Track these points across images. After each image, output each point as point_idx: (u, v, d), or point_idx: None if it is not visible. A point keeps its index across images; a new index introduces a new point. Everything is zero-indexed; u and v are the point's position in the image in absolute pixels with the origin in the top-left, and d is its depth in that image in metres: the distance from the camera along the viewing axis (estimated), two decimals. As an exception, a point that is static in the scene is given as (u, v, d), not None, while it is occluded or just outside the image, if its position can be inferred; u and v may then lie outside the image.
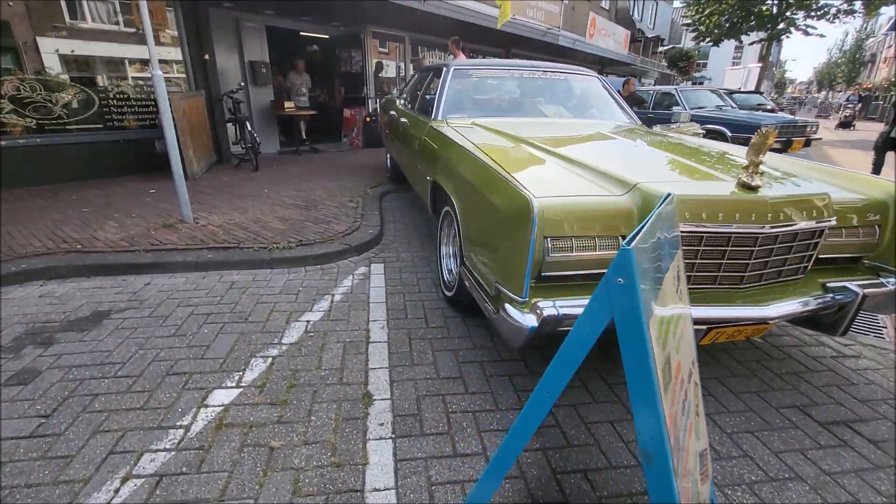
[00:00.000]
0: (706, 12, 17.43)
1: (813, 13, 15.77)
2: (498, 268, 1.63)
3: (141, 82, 5.53)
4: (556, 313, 1.53)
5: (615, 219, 1.60)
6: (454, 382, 1.88)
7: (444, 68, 3.38)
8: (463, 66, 3.40)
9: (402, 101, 4.65)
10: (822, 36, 16.83)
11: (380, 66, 8.94)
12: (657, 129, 3.53)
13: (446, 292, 2.51)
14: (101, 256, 2.90)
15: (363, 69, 8.44)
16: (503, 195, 1.59)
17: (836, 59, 54.40)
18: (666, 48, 26.17)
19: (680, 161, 2.00)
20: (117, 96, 5.29)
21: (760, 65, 18.34)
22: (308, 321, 2.31)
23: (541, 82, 3.51)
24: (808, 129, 7.90)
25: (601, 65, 17.50)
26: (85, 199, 4.26)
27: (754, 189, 1.64)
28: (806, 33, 15.96)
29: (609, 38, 15.72)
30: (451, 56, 6.53)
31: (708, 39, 18.25)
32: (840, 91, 48.88)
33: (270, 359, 1.99)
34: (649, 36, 22.15)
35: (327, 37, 8.74)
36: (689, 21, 18.73)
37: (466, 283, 2.03)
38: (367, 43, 8.27)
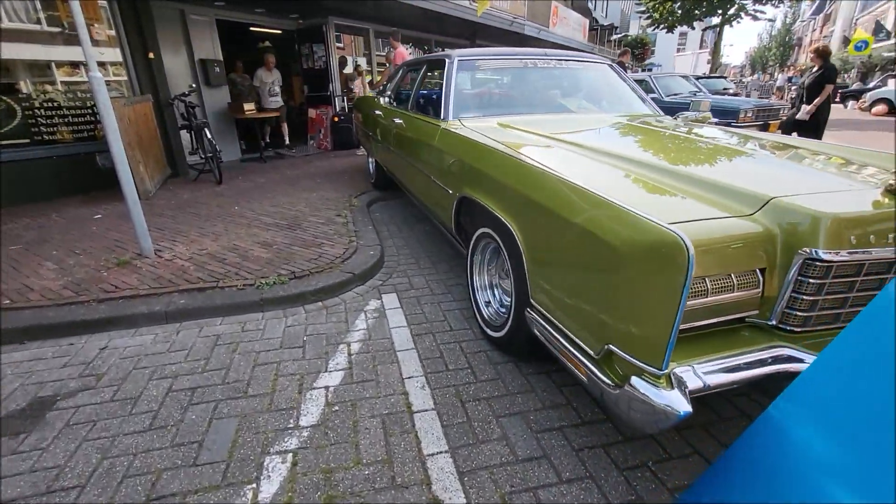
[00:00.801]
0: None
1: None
2: (614, 324, 1.20)
3: (74, 87, 4.71)
4: (701, 384, 1.14)
5: (758, 247, 1.22)
6: (540, 466, 1.45)
7: (446, 60, 2.91)
8: (469, 56, 2.94)
9: (387, 100, 4.13)
10: (771, 20, 17.44)
11: (343, 62, 8.30)
12: (680, 119, 3.22)
13: (491, 332, 2.08)
14: (39, 314, 2.27)
15: (327, 65, 7.78)
16: (622, 229, 1.16)
17: (767, 43, 57.53)
18: (619, 36, 26.59)
19: (787, 162, 1.65)
20: (45, 105, 4.47)
21: (705, 51, 18.84)
22: (327, 388, 1.81)
23: (556, 72, 3.11)
24: (782, 112, 7.97)
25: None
26: (12, 234, 3.50)
27: None
28: (755, 18, 16.48)
29: (569, 27, 15.62)
30: (392, 51, 6.08)
31: (662, 26, 18.55)
32: (770, 74, 51.67)
33: (290, 455, 1.48)
34: (604, 24, 22.37)
35: (279, 32, 8.00)
36: (644, 8, 18.98)
37: (536, 331, 1.61)
38: (329, 36, 7.61)
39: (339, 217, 3.83)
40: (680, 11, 17.45)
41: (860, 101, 18.88)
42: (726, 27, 17.07)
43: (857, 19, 38.77)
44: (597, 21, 22.19)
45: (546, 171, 1.49)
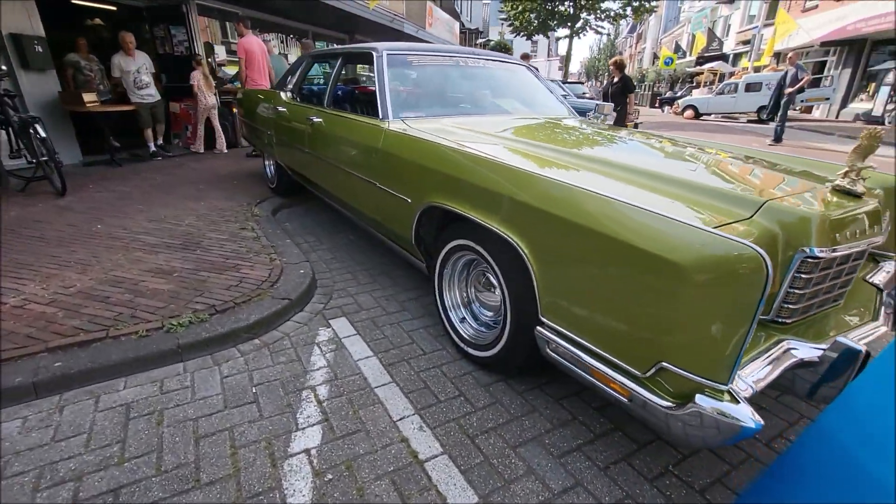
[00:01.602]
0: (519, 9, 19.15)
1: (600, 15, 18.70)
2: (670, 342, 1.15)
3: None
4: (751, 392, 1.15)
5: (773, 249, 1.28)
6: (579, 496, 1.35)
7: (373, 53, 2.64)
8: (398, 51, 2.71)
9: (290, 95, 3.66)
10: (608, 35, 20.14)
11: (210, 49, 7.22)
12: (600, 121, 3.43)
13: (474, 351, 1.92)
14: None
15: (192, 52, 6.66)
16: (684, 245, 1.09)
17: (597, 54, 67.04)
18: (483, 40, 28.19)
19: (747, 166, 1.80)
20: None
21: (555, 58, 21.16)
22: (308, 452, 1.47)
23: (486, 72, 3.04)
24: (634, 116, 9.22)
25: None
26: None
27: (859, 197, 1.50)
28: (597, 32, 18.90)
29: (443, 29, 15.99)
30: (239, 37, 5.60)
31: (523, 34, 20.15)
32: (601, 81, 60.35)
33: (295, 556, 1.15)
34: (471, 28, 23.49)
35: (115, 9, 6.61)
36: (506, 16, 20.38)
37: (549, 351, 1.51)
38: (192, 17, 6.52)
39: (245, 231, 3.26)
40: (536, 22, 19.13)
41: (674, 106, 23.05)
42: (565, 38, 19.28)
43: (661, 39, 47.23)
44: (463, 24, 23.16)
45: (571, 186, 1.38)
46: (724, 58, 27.61)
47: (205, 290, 2.32)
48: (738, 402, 1.08)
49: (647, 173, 1.57)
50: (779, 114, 9.54)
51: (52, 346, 1.81)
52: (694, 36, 32.58)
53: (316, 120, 2.96)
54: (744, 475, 1.46)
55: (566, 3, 18.32)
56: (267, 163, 4.51)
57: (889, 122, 14.08)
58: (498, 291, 1.87)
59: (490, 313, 1.97)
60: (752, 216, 1.30)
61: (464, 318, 2.04)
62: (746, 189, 1.49)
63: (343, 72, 3.16)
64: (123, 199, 4.01)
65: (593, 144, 2.09)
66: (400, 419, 1.63)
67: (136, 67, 5.47)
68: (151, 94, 5.65)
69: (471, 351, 1.94)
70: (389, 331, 2.20)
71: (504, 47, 25.24)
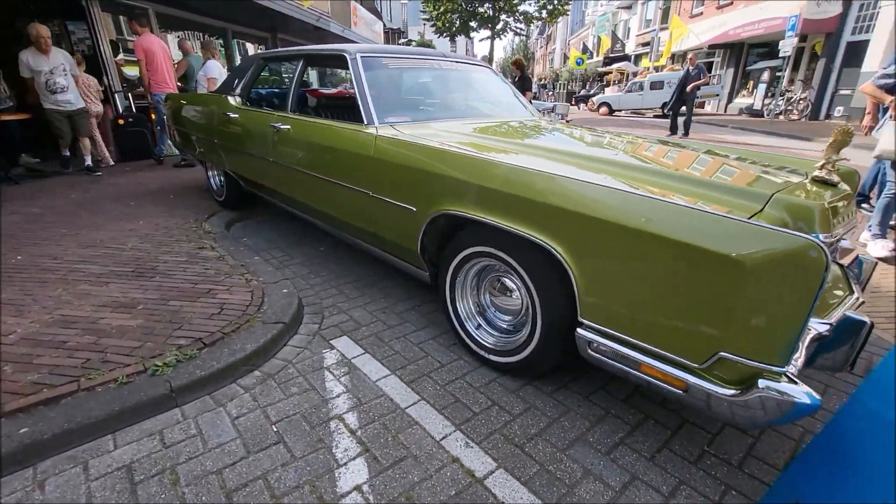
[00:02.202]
0: (441, 10, 19.35)
1: (518, 17, 19.47)
2: (730, 333, 1.21)
3: None
4: (795, 371, 1.25)
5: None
6: (639, 490, 1.38)
7: (346, 56, 2.51)
8: (371, 53, 2.60)
9: (239, 100, 3.37)
10: (526, 36, 21.02)
11: (117, 48, 6.44)
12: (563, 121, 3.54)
13: (497, 358, 1.89)
14: None
15: (95, 51, 5.88)
16: (742, 240, 1.14)
17: (511, 55, 70.25)
18: (404, 41, 28.12)
19: (732, 162, 1.95)
20: None
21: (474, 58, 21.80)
22: (359, 488, 1.35)
23: (457, 74, 3.02)
24: (565, 116, 9.72)
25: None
26: None
27: (836, 185, 1.69)
28: (517, 33, 19.66)
29: (368, 29, 15.69)
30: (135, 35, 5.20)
31: (446, 34, 20.40)
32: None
33: None
34: (393, 28, 23.31)
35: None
36: (428, 17, 20.49)
37: (591, 352, 1.52)
38: (94, 12, 5.75)
39: (204, 250, 2.95)
40: (459, 22, 19.46)
41: (589, 103, 24.68)
42: (481, 40, 19.91)
43: (569, 41, 50.29)
44: (384, 24, 22.91)
45: (614, 189, 1.40)
46: (627, 58, 30.05)
47: (182, 321, 2.06)
48: (797, 383, 1.17)
49: (659, 173, 1.65)
50: (685, 108, 10.53)
51: (9, 409, 1.50)
52: (599, 38, 35.09)
53: (282, 127, 2.74)
54: (767, 445, 1.58)
55: (485, 4, 18.81)
56: (211, 174, 4.12)
57: (767, 115, 16.20)
58: (517, 295, 1.88)
59: (508, 317, 1.96)
60: (762, 209, 1.41)
61: (479, 325, 2.01)
62: (748, 183, 1.62)
63: (303, 74, 2.96)
64: (39, 222, 3.45)
65: (594, 146, 2.15)
66: (443, 438, 1.56)
67: (50, 68, 4.66)
68: (70, 100, 4.86)
69: (493, 358, 1.91)
70: (398, 345, 2.11)
71: (431, 48, 25.41)
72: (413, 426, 1.61)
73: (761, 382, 1.17)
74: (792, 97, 15.74)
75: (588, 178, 1.48)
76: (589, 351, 1.54)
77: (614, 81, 28.98)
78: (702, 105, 21.23)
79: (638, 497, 1.36)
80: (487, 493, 1.35)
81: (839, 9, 13.94)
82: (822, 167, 1.70)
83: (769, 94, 16.73)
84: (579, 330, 1.54)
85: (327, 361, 1.97)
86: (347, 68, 2.50)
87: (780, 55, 14.15)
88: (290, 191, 2.90)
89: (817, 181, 1.69)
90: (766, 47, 17.87)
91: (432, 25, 20.32)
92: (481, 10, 18.67)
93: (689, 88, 10.13)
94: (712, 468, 1.48)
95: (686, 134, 10.68)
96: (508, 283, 1.91)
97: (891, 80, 2.86)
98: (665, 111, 15.52)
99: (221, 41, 9.20)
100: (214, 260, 2.79)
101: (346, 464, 1.44)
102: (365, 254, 3.13)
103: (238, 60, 9.61)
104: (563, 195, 1.48)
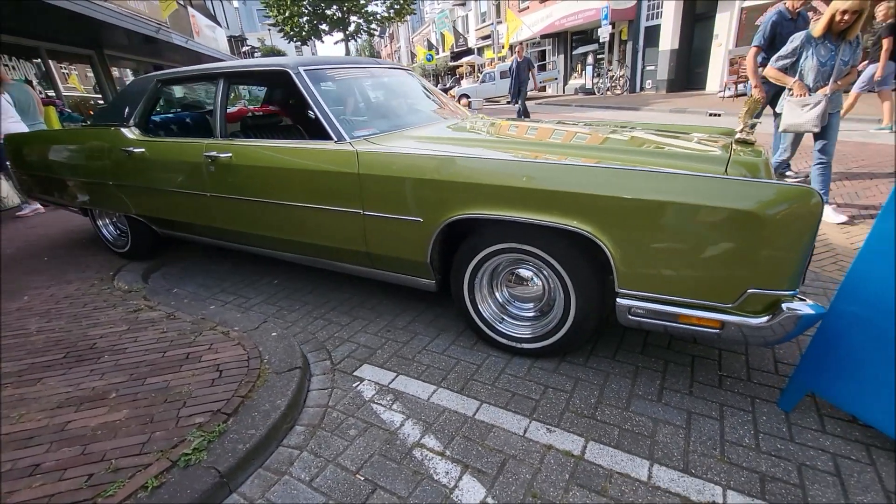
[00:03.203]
0: (287, 14, 18.34)
1: (368, 18, 19.42)
2: (754, 273, 1.48)
3: None
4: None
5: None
6: (700, 421, 1.63)
7: (289, 73, 2.33)
8: (314, 66, 2.45)
9: (136, 131, 2.88)
10: (383, 36, 21.07)
11: None
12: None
13: (529, 346, 2.00)
14: None
15: None
16: (753, 196, 1.42)
17: (357, 54, 70.15)
18: (247, 48, 26.01)
19: (669, 134, 2.31)
20: None
21: None
22: None
23: (391, 80, 2.99)
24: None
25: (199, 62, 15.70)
26: None
27: (752, 144, 2.15)
28: (370, 34, 19.60)
29: (211, 38, 14.17)
30: None
31: (296, 39, 19.41)
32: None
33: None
34: (235, 35, 21.35)
35: None
36: (274, 22, 19.25)
37: (630, 316, 1.71)
38: None
39: (143, 311, 2.49)
40: (308, 27, 18.68)
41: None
42: (322, 43, 19.49)
43: (412, 38, 51.81)
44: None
45: (638, 171, 1.58)
46: (471, 52, 32.10)
47: (182, 397, 1.75)
48: (804, 300, 1.50)
49: (643, 152, 1.91)
50: (520, 97, 11.07)
51: (21, 564, 1.15)
52: (442, 34, 36.80)
53: (221, 155, 2.44)
54: (756, 358, 1.97)
55: (333, 7, 18.36)
56: (102, 222, 3.43)
57: (598, 93, 18.84)
58: (535, 283, 2.00)
59: (530, 305, 2.07)
60: (726, 169, 1.75)
61: (503, 319, 2.09)
62: (701, 150, 1.96)
63: (227, 93, 2.64)
64: None
65: (571, 137, 2.31)
66: (525, 431, 1.62)
67: None
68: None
69: (526, 346, 2.01)
70: (425, 359, 2.09)
71: (278, 53, 23.84)
72: (492, 429, 1.64)
73: (784, 306, 1.48)
74: (613, 75, 18.55)
75: (607, 165, 1.65)
76: (629, 316, 1.73)
77: (466, 74, 30.77)
78: (543, 88, 23.79)
79: (701, 426, 1.61)
80: (595, 466, 1.46)
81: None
82: (741, 130, 2.11)
83: (596, 74, 19.46)
84: (619, 300, 1.72)
85: (366, 394, 1.86)
86: (283, 86, 2.33)
87: (600, 41, 16.53)
88: (240, 225, 2.59)
89: (739, 142, 2.11)
90: (584, 34, 20.71)
91: (279, 31, 19.14)
92: (329, 12, 18.17)
93: (536, 86, 10.73)
94: (733, 386, 1.80)
95: (527, 116, 11.74)
96: (524, 273, 2.02)
97: (787, 61, 3.31)
98: (509, 100, 17.04)
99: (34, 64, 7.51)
100: (166, 320, 2.38)
101: (456, 485, 1.42)
102: (334, 277, 2.96)
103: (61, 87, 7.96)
104: (593, 183, 1.63)
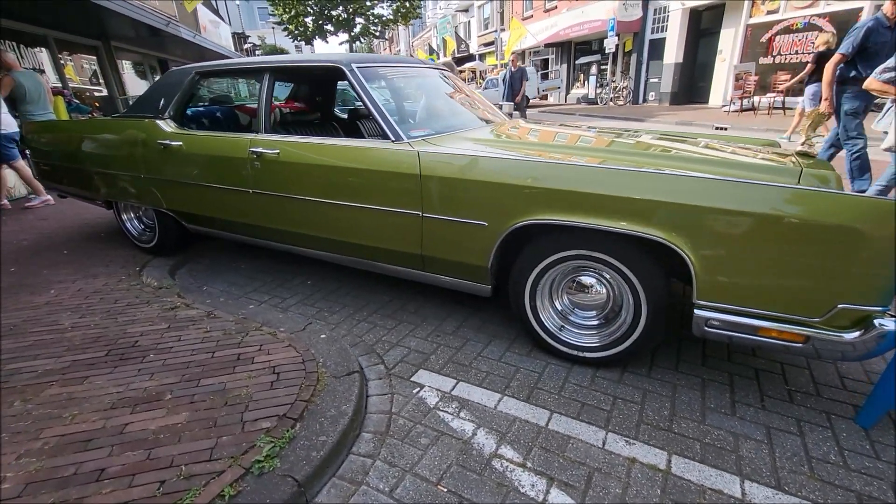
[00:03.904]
0: (292, 13, 18.27)
1: (374, 20, 19.42)
2: (846, 287, 1.46)
3: None
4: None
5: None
6: (780, 437, 1.60)
7: (343, 69, 2.29)
8: (366, 64, 2.40)
9: (172, 124, 2.80)
10: (385, 39, 21.10)
11: None
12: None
13: (593, 355, 1.95)
14: None
15: None
16: (855, 212, 1.39)
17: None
18: (249, 45, 25.86)
19: (735, 147, 2.29)
20: None
21: None
22: (581, 516, 1.30)
23: (433, 81, 2.93)
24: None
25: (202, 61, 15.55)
26: None
27: (813, 157, 2.14)
28: (375, 36, 19.59)
29: (215, 33, 14.04)
30: None
31: (301, 39, 19.33)
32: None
33: None
34: (238, 32, 21.21)
35: None
36: (279, 21, 19.16)
37: (707, 328, 1.67)
38: None
39: (180, 310, 2.40)
40: (313, 26, 18.62)
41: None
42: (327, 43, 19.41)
43: (413, 43, 51.98)
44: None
45: (731, 181, 1.55)
46: (473, 58, 32.20)
47: (242, 400, 1.68)
48: (895, 317, 1.48)
49: (715, 161, 1.89)
50: (522, 106, 10.86)
51: (104, 579, 1.07)
52: (444, 40, 36.93)
53: (267, 152, 2.37)
54: (820, 373, 1.95)
55: (339, 8, 18.33)
56: (127, 216, 3.33)
57: (600, 103, 18.99)
58: (599, 290, 1.97)
59: (592, 313, 2.03)
60: (798, 181, 1.73)
61: (562, 327, 2.05)
62: (772, 161, 1.94)
63: (268, 90, 2.57)
64: None
65: (638, 144, 2.28)
66: (604, 443, 1.58)
67: None
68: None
69: (589, 355, 1.97)
70: (483, 365, 2.03)
71: (282, 52, 23.72)
72: (570, 440, 1.59)
73: (877, 322, 1.45)
74: (617, 86, 18.71)
75: (692, 174, 1.62)
76: (705, 328, 1.69)
77: (468, 80, 30.86)
78: (545, 97, 23.94)
79: (783, 442, 1.57)
80: (684, 481, 1.42)
81: (640, 12, 16.96)
82: (803, 143, 2.11)
83: (599, 85, 19.61)
84: (697, 311, 1.69)
85: (430, 401, 1.80)
86: (323, 82, 2.28)
87: (606, 52, 16.68)
88: (283, 224, 2.52)
89: (801, 154, 2.10)
90: (587, 45, 20.90)
91: (284, 29, 19.05)
92: (335, 13, 18.13)
93: (517, 98, 10.50)
94: (805, 401, 1.77)
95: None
96: (585, 280, 1.98)
97: (892, 74, 3.01)
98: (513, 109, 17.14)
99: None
100: (206, 319, 2.30)
101: (545, 499, 1.36)
102: (370, 278, 2.90)
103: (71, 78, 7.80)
104: (680, 192, 1.59)
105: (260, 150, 2.40)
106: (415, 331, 2.33)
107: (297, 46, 31.76)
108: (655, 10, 16.49)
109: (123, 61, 11.74)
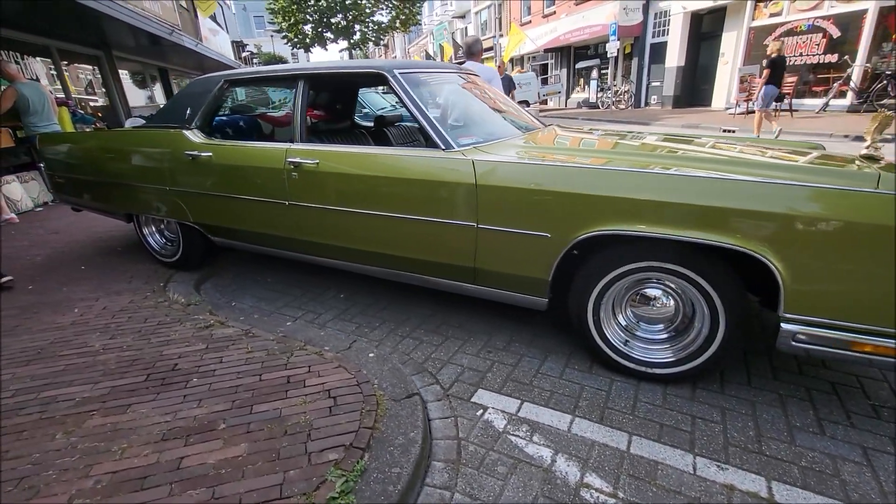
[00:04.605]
0: (292, 21, 18.24)
1: (373, 28, 19.41)
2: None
3: None
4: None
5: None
6: (880, 457, 1.50)
7: (386, 75, 2.20)
8: (409, 70, 2.31)
9: (202, 134, 2.70)
10: (382, 45, 21.08)
11: None
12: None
13: (662, 370, 1.85)
14: None
15: None
16: None
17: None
18: (247, 53, 25.83)
19: (801, 151, 2.21)
20: None
21: None
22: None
23: (476, 89, 2.85)
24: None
25: (201, 70, 15.44)
26: None
27: (878, 160, 2.05)
28: (376, 44, 19.59)
29: (215, 42, 13.97)
30: None
31: (299, 46, 19.30)
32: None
33: None
34: (234, 40, 21.16)
35: None
36: (278, 28, 19.12)
37: (794, 343, 1.58)
38: None
39: (215, 328, 2.29)
40: (312, 33, 18.59)
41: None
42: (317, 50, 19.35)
43: (408, 49, 52.16)
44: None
45: (828, 188, 1.46)
46: (471, 63, 32.20)
47: (302, 428, 1.56)
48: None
49: (788, 167, 1.79)
50: None
51: None
52: (441, 46, 37.00)
53: (306, 162, 2.28)
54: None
55: (338, 15, 18.32)
56: (149, 230, 3.21)
57: (602, 107, 19.02)
58: (665, 303, 1.87)
59: (660, 326, 1.93)
60: (877, 186, 1.64)
61: (627, 342, 1.95)
62: (845, 167, 1.85)
63: (306, 98, 2.47)
64: None
65: (701, 148, 2.20)
66: (694, 469, 1.47)
67: None
68: None
69: (660, 371, 1.87)
70: (545, 383, 1.93)
71: (280, 59, 23.69)
72: (657, 466, 1.48)
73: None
74: (618, 90, 18.75)
75: (778, 180, 1.53)
76: (792, 342, 1.60)
77: (465, 85, 30.78)
78: (545, 102, 23.97)
79: (885, 464, 1.47)
80: (794, 510, 1.32)
81: (641, 17, 17.02)
82: (868, 146, 2.02)
83: (600, 89, 19.66)
84: (784, 325, 1.59)
85: (497, 424, 1.70)
86: (379, 87, 2.18)
87: (608, 56, 16.74)
88: (323, 237, 2.41)
89: (866, 157, 2.02)
90: (587, 49, 20.99)
91: (283, 37, 19.01)
92: (334, 21, 18.11)
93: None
94: (892, 417, 1.68)
95: None
96: (650, 292, 1.89)
97: None
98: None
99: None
100: (245, 338, 2.19)
101: (647, 533, 1.26)
102: (406, 291, 2.79)
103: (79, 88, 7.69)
104: (769, 199, 1.50)
105: (297, 160, 2.30)
106: (464, 346, 2.23)
107: (293, 54, 31.75)
108: (656, 14, 16.55)
109: (122, 71, 11.67)
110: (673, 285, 1.83)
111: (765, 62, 8.10)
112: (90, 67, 9.30)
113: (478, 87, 2.85)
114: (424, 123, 2.09)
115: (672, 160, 1.91)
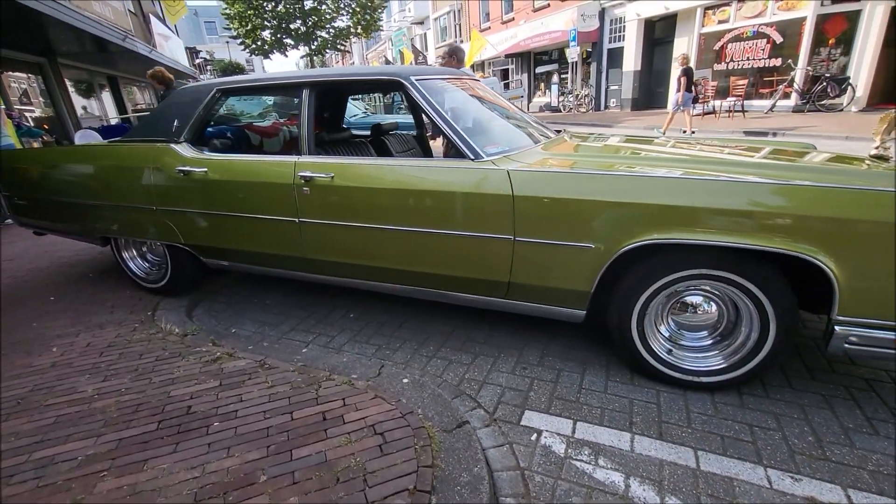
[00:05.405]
0: (249, 27, 17.61)
1: (335, 34, 19.05)
2: None
3: None
4: None
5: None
6: (940, 453, 1.52)
7: (403, 82, 2.10)
8: (425, 76, 2.20)
9: (190, 148, 2.47)
10: (348, 52, 20.73)
11: None
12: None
13: (709, 379, 1.82)
14: None
15: None
16: None
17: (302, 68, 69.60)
18: (200, 60, 24.74)
19: (814, 153, 2.26)
20: None
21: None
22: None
23: (484, 93, 2.75)
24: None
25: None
26: None
27: (888, 160, 2.14)
28: (338, 50, 19.21)
29: (169, 48, 13.24)
30: None
31: (257, 53, 18.65)
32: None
33: None
34: (187, 46, 20.18)
35: None
36: (235, 34, 18.40)
37: (847, 345, 1.58)
38: None
39: (223, 361, 2.08)
40: (272, 39, 18.03)
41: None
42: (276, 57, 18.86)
43: (367, 55, 51.76)
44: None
45: (871, 189, 1.46)
46: (432, 69, 32.24)
47: (356, 473, 1.41)
48: None
49: (818, 169, 1.82)
50: None
51: None
52: (401, 52, 36.88)
53: (318, 175, 2.11)
54: (930, 377, 1.91)
55: (297, 21, 17.86)
56: (129, 254, 2.92)
57: (564, 111, 19.49)
58: (707, 310, 1.85)
59: (703, 333, 1.90)
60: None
61: (670, 350, 1.91)
62: (861, 167, 1.90)
63: (313, 108, 2.30)
64: None
65: (728, 153, 2.20)
66: (770, 482, 1.43)
67: None
68: None
69: (707, 379, 1.84)
70: (592, 399, 1.85)
71: (239, 68, 22.81)
72: (732, 483, 1.44)
73: None
74: (578, 94, 19.28)
75: (825, 184, 1.53)
76: (845, 345, 1.60)
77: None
78: (508, 106, 24.27)
79: (944, 461, 1.49)
80: (879, 519, 1.30)
81: (598, 23, 17.60)
82: (878, 146, 2.09)
83: (561, 93, 20.14)
84: (838, 328, 1.59)
85: (556, 449, 1.60)
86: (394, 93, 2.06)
87: (569, 61, 17.17)
88: (339, 255, 2.25)
89: (876, 158, 2.09)
90: (547, 54, 21.50)
91: (240, 43, 18.29)
92: (293, 26, 17.62)
93: None
94: (935, 411, 1.71)
95: None
96: (691, 299, 1.86)
97: None
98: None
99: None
100: (262, 371, 1.99)
101: (748, 560, 1.20)
102: (424, 308, 2.66)
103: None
104: (821, 203, 1.49)
105: (309, 173, 2.13)
106: (497, 364, 2.13)
107: (247, 61, 30.72)
108: (612, 20, 17.15)
109: (67, 80, 10.83)
110: (710, 289, 1.81)
111: (679, 71, 9.10)
112: (24, 76, 8.57)
113: (488, 93, 2.77)
114: (449, 132, 1.98)
115: (717, 166, 1.88)
